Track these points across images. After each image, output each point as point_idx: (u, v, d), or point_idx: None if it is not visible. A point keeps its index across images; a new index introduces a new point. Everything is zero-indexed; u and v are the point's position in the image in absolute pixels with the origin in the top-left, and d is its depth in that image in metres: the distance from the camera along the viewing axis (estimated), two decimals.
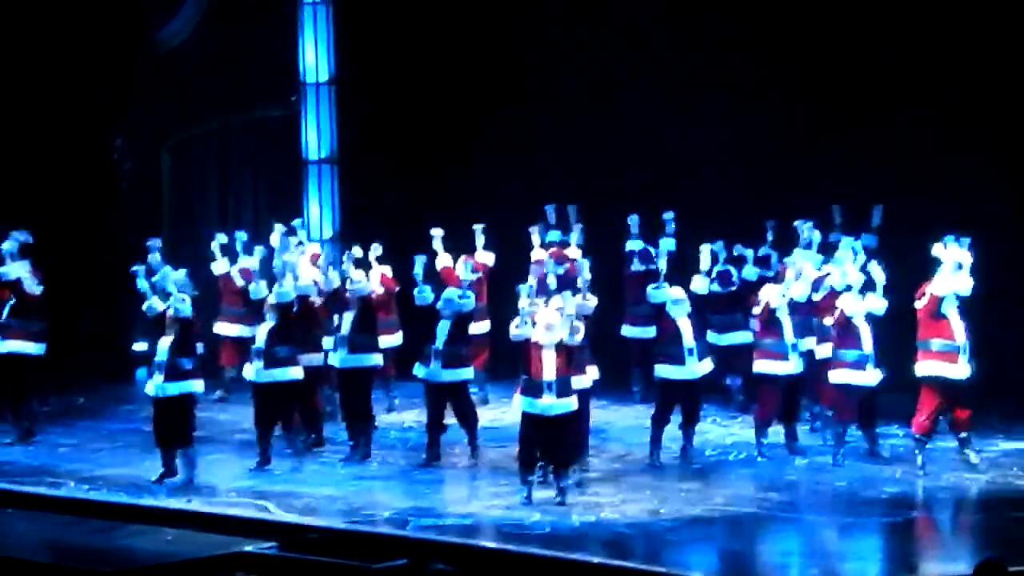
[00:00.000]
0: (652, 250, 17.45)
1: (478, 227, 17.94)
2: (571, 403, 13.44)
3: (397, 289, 16.65)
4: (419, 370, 15.14)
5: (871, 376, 14.44)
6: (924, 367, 14.24)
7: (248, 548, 11.97)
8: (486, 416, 16.03)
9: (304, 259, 16.49)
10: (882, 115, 18.13)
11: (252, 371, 14.68)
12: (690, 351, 14.63)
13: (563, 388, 13.35)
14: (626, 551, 11.81)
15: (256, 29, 20.91)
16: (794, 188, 18.15)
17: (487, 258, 17.82)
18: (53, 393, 18.26)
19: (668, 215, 17.92)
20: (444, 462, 14.85)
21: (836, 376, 14.53)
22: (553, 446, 13.47)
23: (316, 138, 21.41)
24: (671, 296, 14.87)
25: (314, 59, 21.33)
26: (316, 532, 12.37)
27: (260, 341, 14.68)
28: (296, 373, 14.71)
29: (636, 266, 17.71)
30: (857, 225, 16.99)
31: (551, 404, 13.30)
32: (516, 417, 13.69)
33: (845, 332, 14.47)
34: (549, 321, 13.43)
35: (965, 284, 14.29)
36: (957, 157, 17.59)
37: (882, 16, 18.27)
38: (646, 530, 12.48)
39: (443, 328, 14.91)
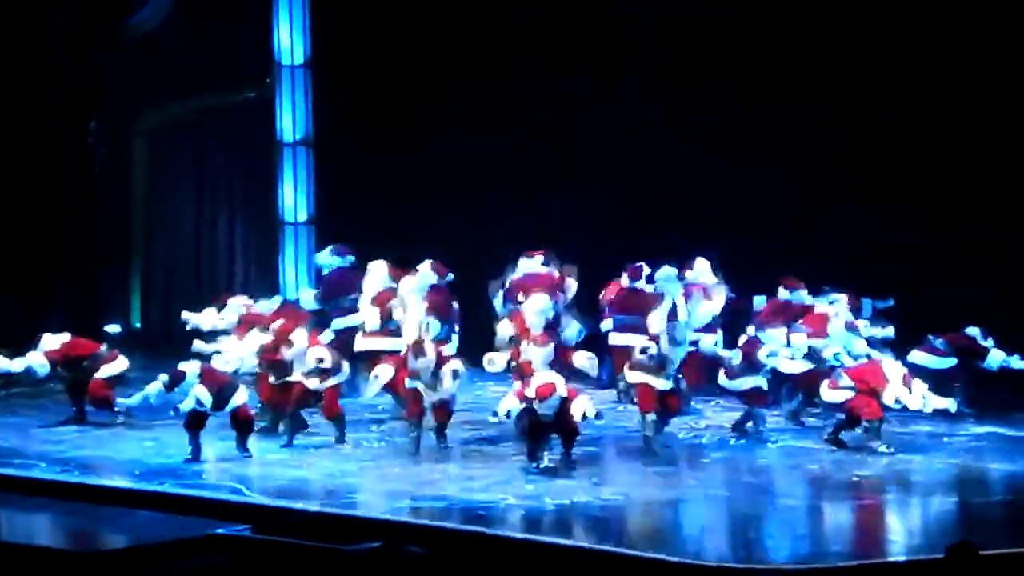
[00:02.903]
0: (646, 267, 17.19)
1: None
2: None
3: None
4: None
5: None
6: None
7: (221, 531, 11.94)
8: (459, 399, 16.04)
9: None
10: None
11: None
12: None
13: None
14: (600, 534, 11.82)
15: (230, 11, 20.85)
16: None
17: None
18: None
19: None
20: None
21: None
22: (562, 419, 13.62)
23: (291, 120, 21.37)
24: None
25: (289, 41, 21.28)
26: (290, 515, 12.34)
27: None
28: None
29: (625, 281, 17.25)
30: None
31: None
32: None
33: None
34: (539, 307, 13.61)
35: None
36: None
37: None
38: (620, 513, 12.50)
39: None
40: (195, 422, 14.28)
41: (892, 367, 14.50)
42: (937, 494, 13.14)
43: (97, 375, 16.00)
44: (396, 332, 15.56)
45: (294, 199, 21.36)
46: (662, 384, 14.50)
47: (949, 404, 14.53)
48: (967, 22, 17.90)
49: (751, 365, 14.87)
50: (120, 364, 16.16)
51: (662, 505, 12.77)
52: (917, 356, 15.86)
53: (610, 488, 13.14)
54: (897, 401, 14.30)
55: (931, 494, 13.16)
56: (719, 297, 16.18)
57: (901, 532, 12.07)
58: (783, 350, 14.99)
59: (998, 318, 16.17)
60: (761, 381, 14.94)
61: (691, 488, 13.26)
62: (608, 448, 14.91)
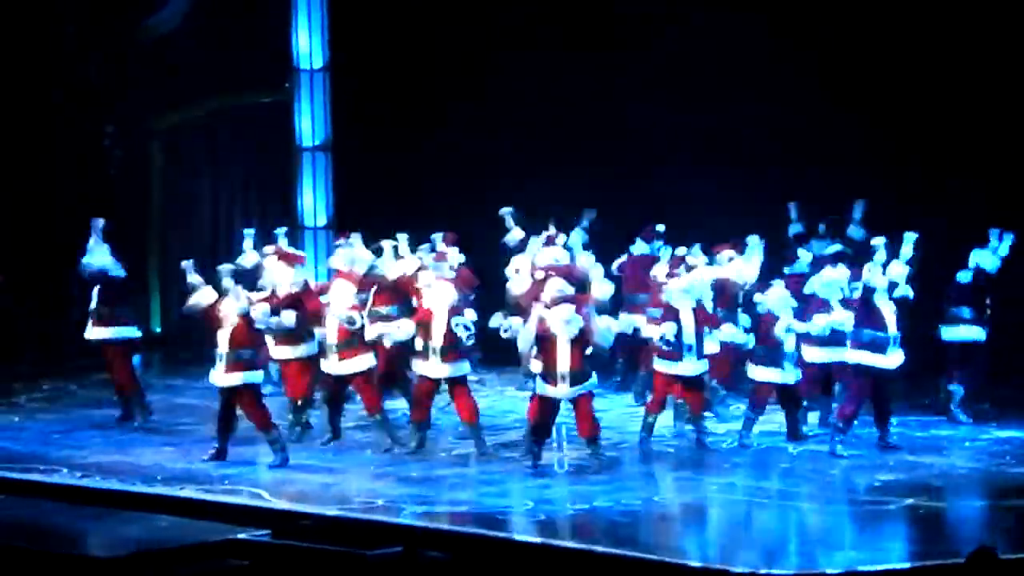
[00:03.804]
0: (659, 228, 17.25)
1: None
2: (590, 383, 13.84)
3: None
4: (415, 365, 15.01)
5: (892, 359, 14.36)
6: (855, 356, 14.37)
7: (241, 535, 11.96)
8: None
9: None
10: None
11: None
12: (689, 348, 14.60)
13: (578, 377, 13.77)
14: (620, 538, 11.81)
15: (249, 15, 20.87)
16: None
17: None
18: (45, 379, 18.33)
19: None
20: (436, 449, 14.85)
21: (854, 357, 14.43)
22: (582, 422, 13.80)
23: (310, 125, 21.40)
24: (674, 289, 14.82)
25: (308, 45, 21.31)
26: (309, 519, 12.36)
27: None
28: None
29: (639, 248, 17.37)
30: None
31: (567, 391, 13.75)
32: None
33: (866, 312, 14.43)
34: (566, 316, 13.70)
35: (898, 272, 14.52)
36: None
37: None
38: (640, 517, 12.50)
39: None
40: (226, 425, 14.31)
41: None
42: (957, 499, 13.11)
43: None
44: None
45: (313, 204, 21.39)
46: (683, 369, 14.49)
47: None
48: (968, 22, 17.88)
49: (771, 345, 14.73)
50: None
51: (682, 510, 12.76)
52: (949, 332, 15.82)
53: (630, 493, 13.13)
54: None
55: (951, 499, 13.13)
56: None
57: (921, 537, 12.03)
58: (798, 324, 14.64)
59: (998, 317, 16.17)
60: (789, 376, 14.83)
61: (711, 493, 13.24)
62: (628, 453, 14.89)
